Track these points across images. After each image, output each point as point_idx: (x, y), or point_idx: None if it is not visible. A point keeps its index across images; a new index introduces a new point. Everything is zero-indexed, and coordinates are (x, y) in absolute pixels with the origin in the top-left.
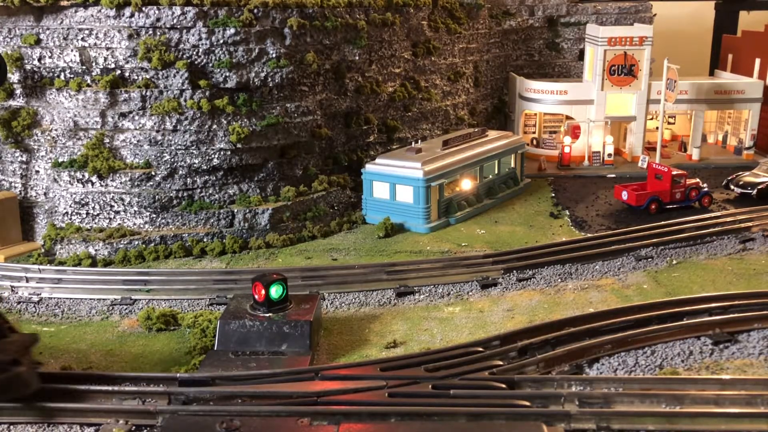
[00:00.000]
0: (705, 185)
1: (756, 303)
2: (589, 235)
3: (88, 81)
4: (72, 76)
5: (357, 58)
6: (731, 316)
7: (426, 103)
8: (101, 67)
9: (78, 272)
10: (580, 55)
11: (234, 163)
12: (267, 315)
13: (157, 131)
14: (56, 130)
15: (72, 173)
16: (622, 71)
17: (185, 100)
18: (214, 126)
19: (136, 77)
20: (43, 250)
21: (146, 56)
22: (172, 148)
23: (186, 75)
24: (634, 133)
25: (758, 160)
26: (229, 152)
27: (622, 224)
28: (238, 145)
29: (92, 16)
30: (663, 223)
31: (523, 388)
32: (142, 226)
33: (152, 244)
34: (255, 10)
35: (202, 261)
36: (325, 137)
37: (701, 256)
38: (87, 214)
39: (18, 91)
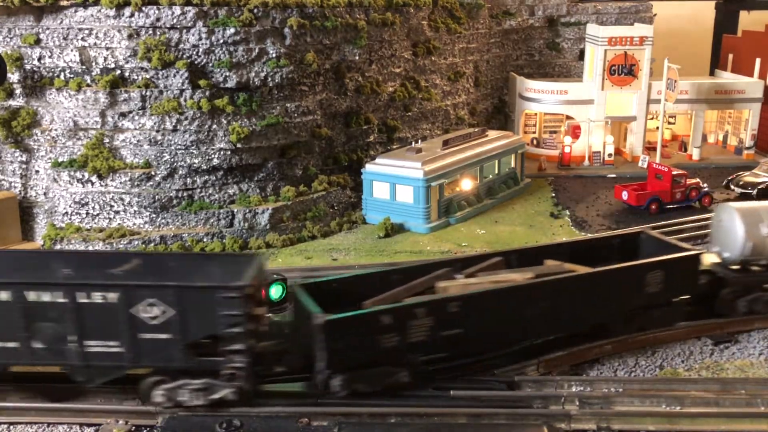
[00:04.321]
0: (705, 185)
1: None
2: (589, 235)
3: (88, 81)
4: (72, 76)
5: (357, 58)
6: None
7: (426, 103)
8: (101, 66)
9: None
10: (581, 55)
11: (234, 163)
12: (267, 315)
13: (157, 131)
14: (56, 130)
15: (72, 173)
16: (622, 71)
17: (185, 100)
18: (214, 126)
19: (136, 77)
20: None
21: (146, 56)
22: (172, 148)
23: (186, 75)
24: (634, 133)
25: (758, 160)
26: (229, 152)
27: (622, 224)
28: (238, 145)
29: (92, 16)
30: (663, 223)
31: (522, 389)
32: (141, 226)
33: (152, 244)
34: (255, 10)
35: None
36: (325, 137)
37: None
38: (87, 214)
39: (18, 91)
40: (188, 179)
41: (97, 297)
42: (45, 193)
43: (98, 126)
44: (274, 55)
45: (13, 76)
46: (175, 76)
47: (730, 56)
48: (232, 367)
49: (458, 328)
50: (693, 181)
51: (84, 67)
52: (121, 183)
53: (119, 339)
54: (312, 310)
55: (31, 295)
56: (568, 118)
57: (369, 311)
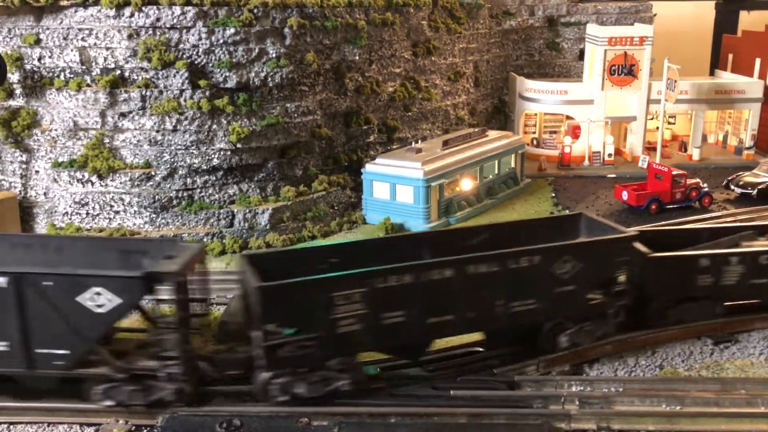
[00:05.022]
0: (705, 185)
1: None
2: None
3: (88, 81)
4: (72, 76)
5: (357, 58)
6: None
7: (426, 103)
8: (101, 67)
9: None
10: (581, 55)
11: (234, 163)
12: None
13: (157, 131)
14: (56, 130)
15: (72, 173)
16: (622, 71)
17: (185, 100)
18: (214, 126)
19: (136, 77)
20: None
21: (146, 56)
22: (172, 148)
23: (186, 75)
24: (634, 133)
25: (758, 160)
26: (229, 152)
27: (622, 224)
28: (238, 145)
29: (92, 16)
30: (663, 223)
31: (522, 389)
32: (141, 226)
33: None
34: (255, 10)
35: None
36: (325, 137)
37: None
38: (87, 214)
39: (18, 91)
40: (188, 179)
41: (524, 261)
42: (45, 193)
43: (98, 126)
44: (274, 55)
45: (13, 76)
46: (175, 76)
47: (730, 56)
48: (617, 305)
49: (766, 278)
50: (693, 181)
51: (84, 67)
52: (121, 183)
53: (535, 296)
54: (643, 250)
55: (470, 269)
56: (568, 118)
57: (691, 253)
